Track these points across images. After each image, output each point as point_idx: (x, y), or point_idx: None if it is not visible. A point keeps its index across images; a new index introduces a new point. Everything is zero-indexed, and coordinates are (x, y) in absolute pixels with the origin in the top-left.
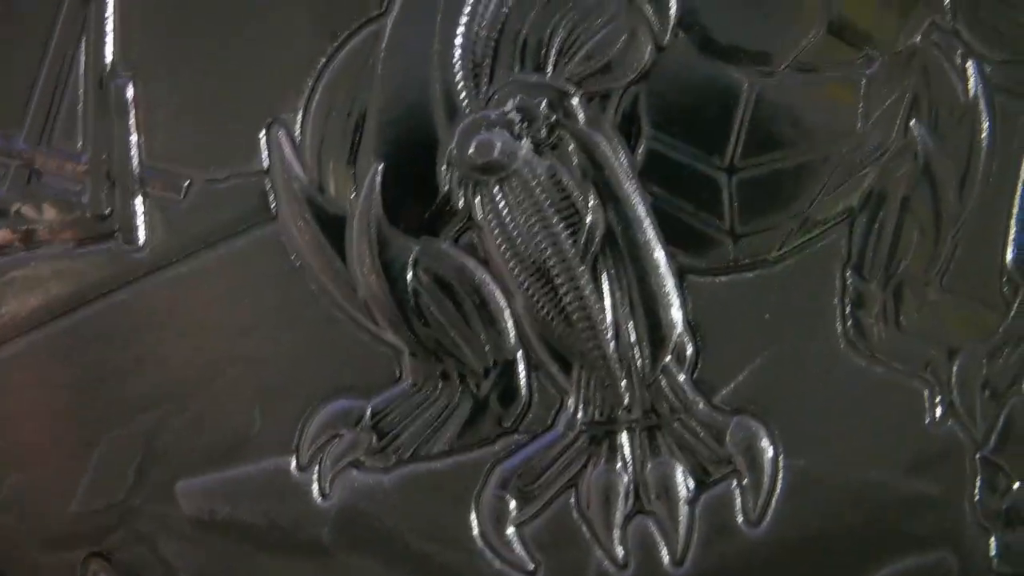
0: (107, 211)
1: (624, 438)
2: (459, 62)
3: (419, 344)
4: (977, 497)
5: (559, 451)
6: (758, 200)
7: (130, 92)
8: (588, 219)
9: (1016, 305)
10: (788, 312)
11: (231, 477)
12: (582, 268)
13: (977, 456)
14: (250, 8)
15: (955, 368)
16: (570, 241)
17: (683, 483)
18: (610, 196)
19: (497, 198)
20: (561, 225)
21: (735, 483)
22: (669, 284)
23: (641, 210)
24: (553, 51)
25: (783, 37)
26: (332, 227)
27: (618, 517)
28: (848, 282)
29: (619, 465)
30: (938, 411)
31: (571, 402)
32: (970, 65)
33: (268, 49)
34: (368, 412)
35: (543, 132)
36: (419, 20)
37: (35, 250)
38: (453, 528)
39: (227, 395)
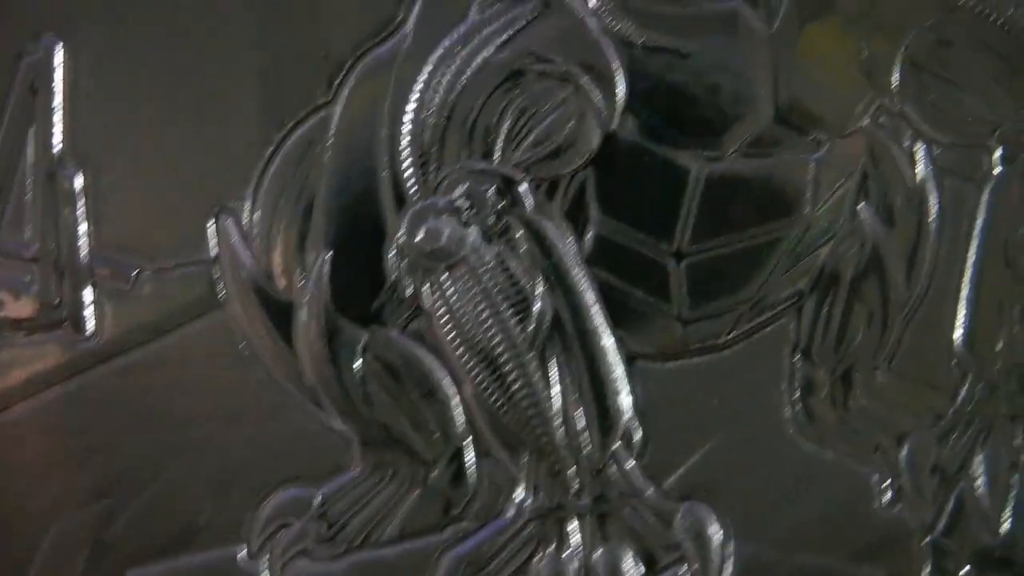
0: (57, 301)
1: (573, 524)
2: (407, 149)
3: (368, 432)
4: None
5: (508, 538)
6: (707, 285)
7: (78, 182)
8: (536, 306)
9: (965, 388)
10: (737, 397)
11: (182, 566)
12: (531, 355)
13: (926, 541)
14: (198, 97)
15: (904, 452)
16: (518, 328)
17: (632, 569)
18: (558, 283)
19: (446, 285)
20: (510, 312)
21: (685, 569)
22: (618, 370)
23: (589, 297)
24: (501, 137)
25: (731, 122)
26: (280, 315)
27: None
28: (797, 366)
29: (568, 551)
30: (887, 495)
31: (520, 489)
32: (918, 148)
33: (216, 138)
34: (318, 500)
35: (491, 219)
36: (366, 107)
37: None
38: None
39: (178, 484)
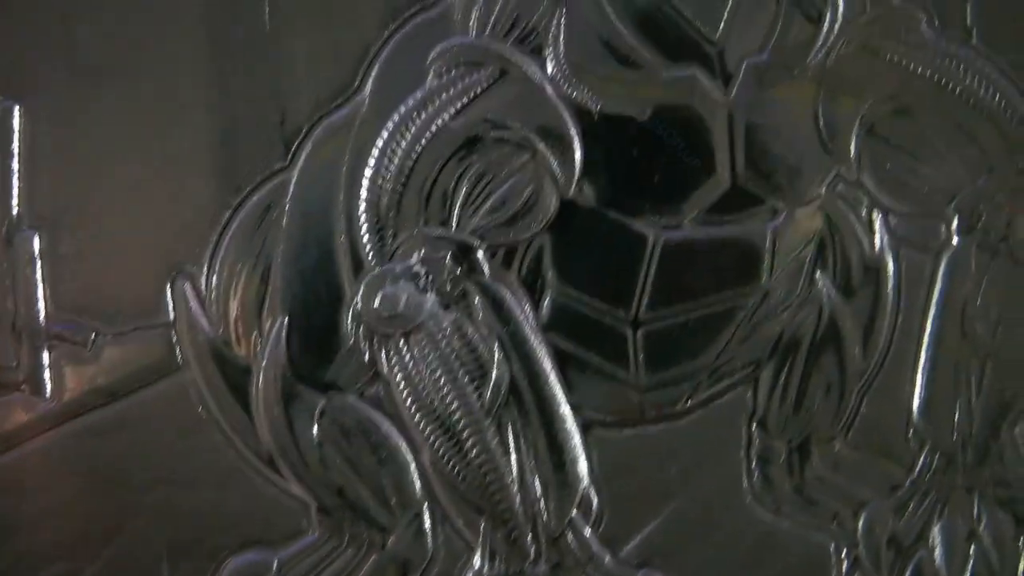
0: (14, 363)
1: None
2: (364, 215)
3: (325, 497)
4: None
5: None
6: (664, 353)
7: (36, 244)
8: (493, 373)
9: (922, 459)
10: (695, 465)
11: None
12: (488, 422)
13: None
14: (155, 160)
15: (861, 522)
16: (476, 395)
17: None
18: (515, 350)
19: (403, 352)
20: (467, 379)
21: None
22: (575, 438)
23: (546, 364)
24: (458, 204)
25: (689, 189)
26: (238, 379)
27: None
28: (754, 435)
29: None
30: (844, 566)
31: (477, 556)
32: (876, 217)
33: (173, 202)
34: (275, 565)
35: (448, 286)
36: (323, 174)
37: None
38: None
39: (134, 547)
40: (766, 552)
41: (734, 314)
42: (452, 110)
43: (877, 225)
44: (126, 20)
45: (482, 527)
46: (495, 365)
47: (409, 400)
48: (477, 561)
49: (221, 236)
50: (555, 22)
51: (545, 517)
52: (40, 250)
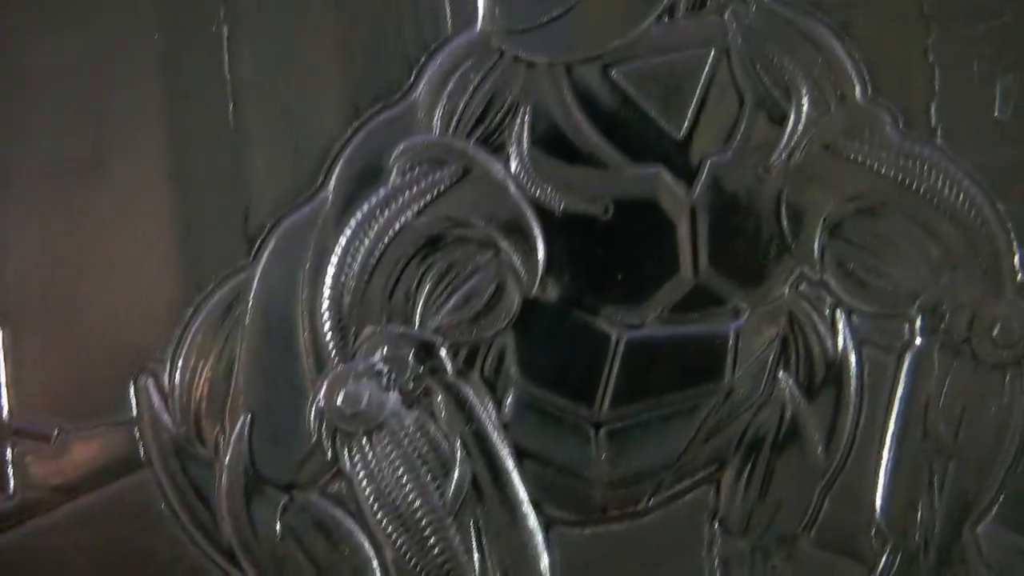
0: None
1: None
2: (326, 313)
3: None
4: None
5: None
6: (627, 451)
7: None
8: (456, 472)
9: (885, 558)
10: (656, 564)
11: None
12: (450, 520)
13: None
14: (118, 258)
15: None
16: (438, 493)
17: None
18: (478, 448)
19: (366, 450)
20: (429, 477)
21: None
22: (537, 536)
23: (509, 462)
24: (421, 302)
25: (651, 288)
26: (201, 476)
27: None
28: (717, 534)
29: None
30: None
31: None
32: (839, 317)
33: (136, 299)
34: None
35: (411, 384)
36: (286, 271)
37: None
38: None
39: None
40: None
41: (697, 413)
42: (415, 208)
43: (840, 324)
44: (89, 114)
45: None
46: (457, 463)
47: (371, 498)
48: None
49: (184, 333)
50: (519, 120)
51: None
52: (2, 347)
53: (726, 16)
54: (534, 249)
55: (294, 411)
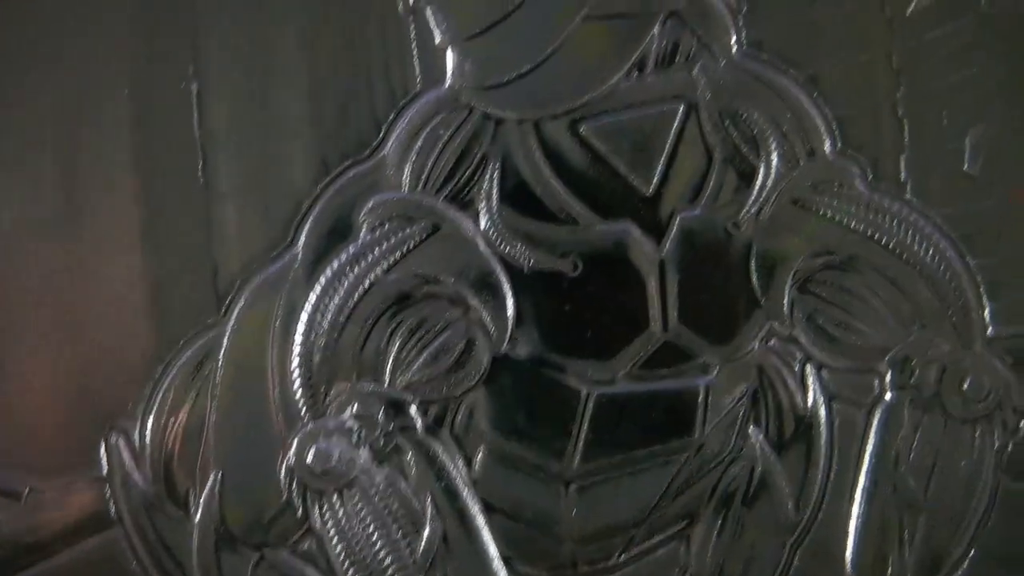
0: None
1: None
2: (297, 370)
3: None
4: None
5: None
6: (597, 507)
7: None
8: (427, 529)
9: None
10: None
11: None
12: None
13: None
14: (87, 315)
15: None
16: (409, 550)
17: None
18: (449, 505)
19: (336, 507)
20: (400, 534)
21: None
22: None
23: (479, 519)
24: (391, 359)
25: (621, 344)
26: (172, 534)
27: None
28: None
29: None
30: None
31: None
32: (809, 372)
33: (107, 356)
34: None
35: (381, 441)
36: (256, 328)
37: None
38: None
39: None
40: None
41: (668, 469)
42: (385, 265)
43: (810, 379)
44: (59, 170)
45: None
46: (428, 520)
47: (342, 555)
48: None
49: (155, 390)
50: (488, 177)
51: None
52: None
53: (695, 71)
54: (504, 306)
55: (265, 469)
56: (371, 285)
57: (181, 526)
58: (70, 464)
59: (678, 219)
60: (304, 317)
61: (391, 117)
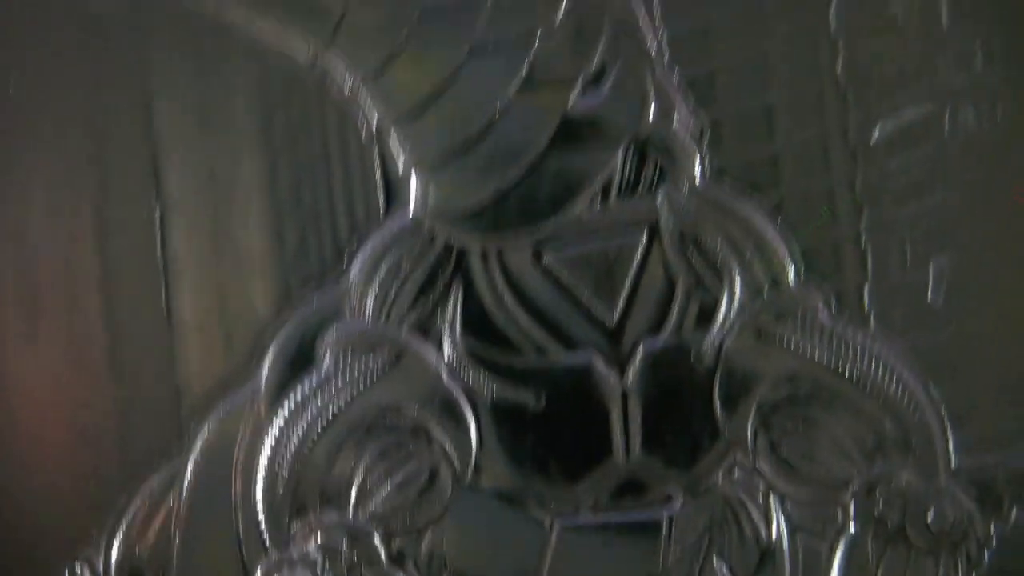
0: None
1: None
2: (260, 501)
3: None
4: None
5: None
6: None
7: None
8: None
9: None
10: None
11: None
12: None
13: None
14: (50, 443)
15: None
16: None
17: None
18: None
19: None
20: None
21: None
22: None
23: None
24: (354, 490)
25: (584, 475)
26: None
27: None
28: None
29: None
30: None
31: None
32: (773, 503)
33: (69, 485)
34: None
35: (345, 572)
36: (220, 458)
37: None
38: None
39: None
40: None
41: None
42: (348, 396)
43: (774, 511)
44: (23, 293)
45: None
46: None
47: None
48: None
49: (118, 519)
50: (450, 306)
51: None
52: None
53: (658, 200)
54: (467, 437)
55: None
56: (334, 416)
57: None
58: None
59: (641, 349)
60: (267, 448)
61: (354, 245)
